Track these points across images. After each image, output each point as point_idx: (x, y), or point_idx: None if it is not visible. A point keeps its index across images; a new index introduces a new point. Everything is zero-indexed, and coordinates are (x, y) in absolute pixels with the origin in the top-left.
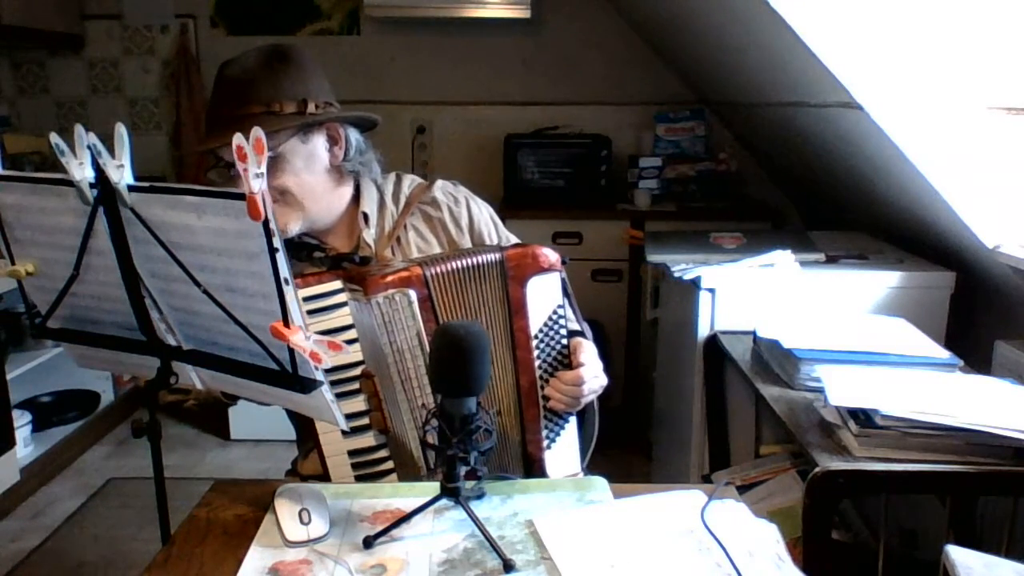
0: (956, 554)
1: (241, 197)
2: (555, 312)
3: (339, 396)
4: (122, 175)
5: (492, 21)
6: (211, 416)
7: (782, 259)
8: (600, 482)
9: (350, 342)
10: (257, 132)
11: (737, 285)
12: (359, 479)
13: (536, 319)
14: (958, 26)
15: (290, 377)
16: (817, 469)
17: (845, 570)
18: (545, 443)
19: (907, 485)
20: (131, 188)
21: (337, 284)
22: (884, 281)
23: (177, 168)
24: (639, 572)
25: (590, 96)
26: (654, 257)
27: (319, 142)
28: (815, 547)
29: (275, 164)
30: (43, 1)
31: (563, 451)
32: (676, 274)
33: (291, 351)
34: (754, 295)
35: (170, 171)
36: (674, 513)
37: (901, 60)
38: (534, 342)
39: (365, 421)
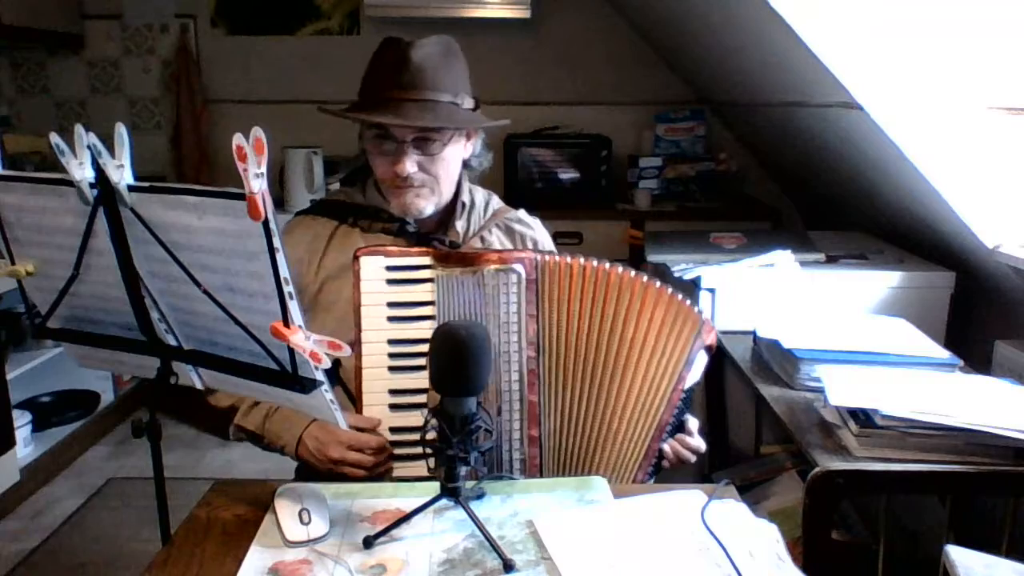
0: (956, 554)
1: (241, 197)
2: (693, 387)
3: (400, 369)
4: (122, 175)
5: (492, 21)
6: (211, 416)
7: (782, 259)
8: (600, 482)
9: (425, 318)
10: (257, 132)
11: (737, 285)
12: (394, 459)
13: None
14: (958, 26)
15: (290, 377)
16: (817, 469)
17: (845, 570)
18: (646, 475)
19: (907, 485)
20: (131, 188)
21: (425, 259)
22: (884, 281)
23: (177, 168)
24: (639, 572)
25: (590, 96)
26: (654, 257)
27: (464, 138)
28: (815, 547)
29: (441, 149)
30: (43, 1)
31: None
32: (676, 274)
33: (291, 351)
34: (754, 295)
35: (170, 171)
36: (674, 513)
37: (901, 60)
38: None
39: (419, 399)
